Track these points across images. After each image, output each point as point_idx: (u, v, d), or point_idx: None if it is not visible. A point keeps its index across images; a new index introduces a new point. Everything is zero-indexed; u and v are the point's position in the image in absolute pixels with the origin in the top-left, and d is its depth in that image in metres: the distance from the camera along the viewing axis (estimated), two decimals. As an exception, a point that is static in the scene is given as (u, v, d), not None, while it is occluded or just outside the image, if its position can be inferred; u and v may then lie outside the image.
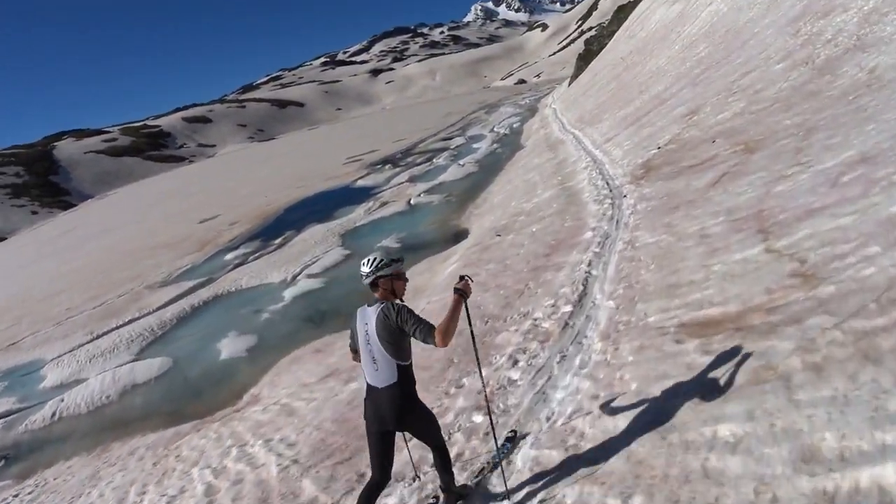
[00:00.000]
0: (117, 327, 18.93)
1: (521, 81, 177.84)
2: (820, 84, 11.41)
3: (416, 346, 4.26)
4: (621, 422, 4.92)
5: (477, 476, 5.13)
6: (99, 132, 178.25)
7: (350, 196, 32.55)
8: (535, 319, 8.29)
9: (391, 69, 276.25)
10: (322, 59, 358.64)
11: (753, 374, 4.53)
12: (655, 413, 4.77)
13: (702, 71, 21.45)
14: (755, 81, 14.80)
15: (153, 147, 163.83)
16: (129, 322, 19.15)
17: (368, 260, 4.23)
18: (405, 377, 4.15)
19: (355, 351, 4.42)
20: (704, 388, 4.74)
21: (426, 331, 3.90)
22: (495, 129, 51.60)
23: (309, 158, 66.66)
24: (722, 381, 4.68)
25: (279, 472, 6.99)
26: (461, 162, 35.24)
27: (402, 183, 32.44)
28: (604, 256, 9.75)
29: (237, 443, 8.73)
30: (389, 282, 4.24)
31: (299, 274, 19.36)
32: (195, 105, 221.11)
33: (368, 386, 4.24)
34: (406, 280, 4.41)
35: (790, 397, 4.04)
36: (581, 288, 8.70)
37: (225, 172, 79.21)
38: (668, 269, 7.67)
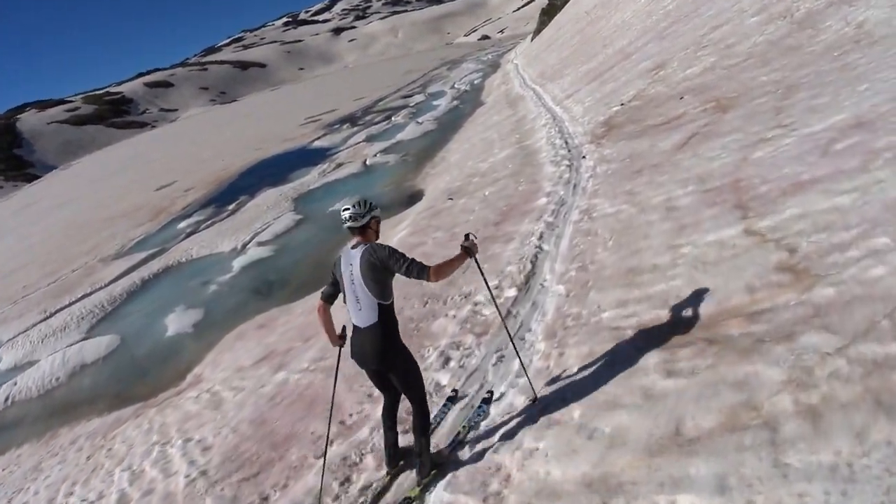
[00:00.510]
0: (69, 304, 18.06)
1: (485, 37, 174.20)
2: (800, 38, 10.35)
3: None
4: (555, 469, 3.88)
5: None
6: (62, 102, 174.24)
7: (306, 157, 31.63)
8: (476, 304, 7.45)
9: (353, 27, 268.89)
10: (284, 19, 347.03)
11: (730, 413, 3.45)
12: (598, 461, 3.72)
13: (669, 24, 20.25)
14: (727, 35, 13.77)
15: (116, 114, 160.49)
16: (81, 298, 18.29)
17: (359, 203, 4.23)
18: (386, 316, 4.14)
19: (327, 299, 4.45)
20: (663, 430, 3.64)
21: (419, 267, 3.92)
22: (456, 86, 50.32)
23: (268, 119, 65.04)
24: (687, 422, 3.58)
25: (186, 487, 6.25)
26: (420, 120, 34.14)
27: (359, 143, 31.45)
28: (557, 228, 8.81)
29: (162, 439, 8.00)
30: (377, 223, 4.34)
31: (249, 242, 18.56)
32: (157, 70, 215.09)
33: (354, 327, 4.23)
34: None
35: (777, 460, 2.97)
36: (529, 266, 7.76)
37: (186, 137, 77.58)
38: (628, 247, 6.61)
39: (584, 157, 11.87)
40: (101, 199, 40.78)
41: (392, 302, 4.20)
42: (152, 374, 12.02)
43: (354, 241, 4.25)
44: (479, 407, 5.14)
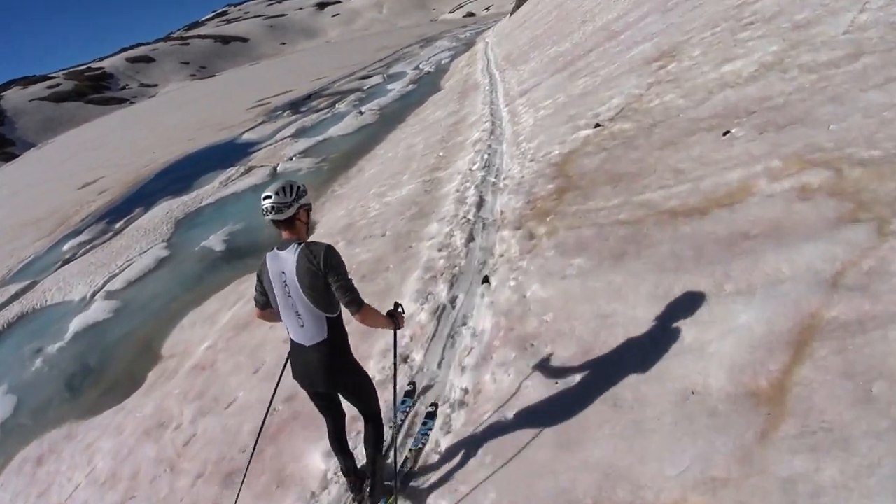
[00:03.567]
0: None
1: (470, 14, 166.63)
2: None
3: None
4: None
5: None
6: (45, 78, 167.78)
7: (225, 155, 27.20)
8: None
9: (338, 2, 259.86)
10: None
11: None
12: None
13: None
14: (790, 4, 8.23)
15: (95, 90, 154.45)
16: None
17: (284, 189, 3.25)
18: (336, 332, 3.38)
19: (264, 306, 3.55)
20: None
21: (352, 297, 3.21)
22: (421, 66, 44.62)
23: (223, 101, 59.52)
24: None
25: None
26: (363, 108, 29.05)
27: (286, 138, 26.74)
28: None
29: None
30: (306, 213, 3.44)
31: (100, 289, 14.44)
32: (140, 45, 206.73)
33: (293, 343, 3.46)
34: None
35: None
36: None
37: (147, 118, 72.33)
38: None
39: (491, 273, 5.98)
40: (33, 197, 36.04)
41: (340, 312, 3.39)
42: None
43: (282, 238, 3.34)
44: (424, 424, 4.39)
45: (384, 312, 3.49)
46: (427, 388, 4.76)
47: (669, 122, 6.96)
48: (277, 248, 3.33)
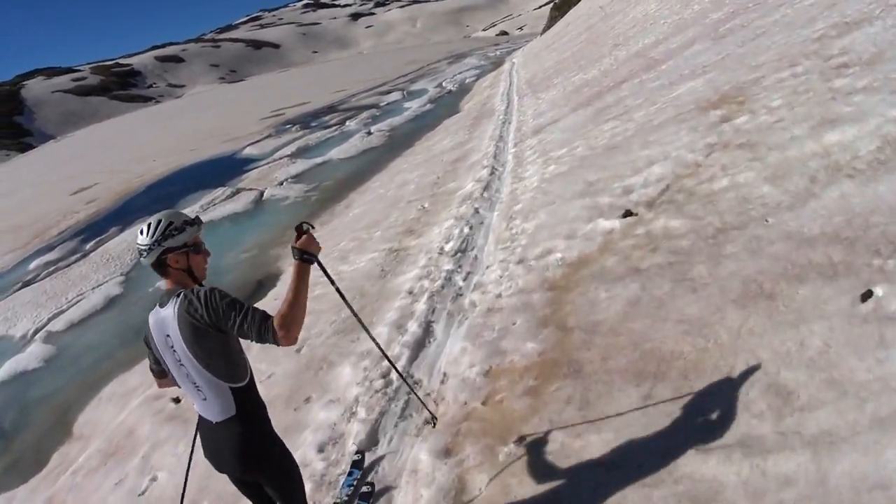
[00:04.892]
0: None
1: (503, 33, 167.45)
2: None
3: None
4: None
5: None
6: (70, 70, 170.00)
7: (218, 172, 25.73)
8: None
9: (372, 13, 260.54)
10: (304, 1, 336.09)
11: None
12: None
13: (731, 14, 12.25)
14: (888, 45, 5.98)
15: (121, 87, 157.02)
16: None
17: (149, 225, 2.59)
18: (247, 406, 2.64)
19: (160, 374, 2.86)
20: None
21: (259, 322, 2.34)
22: (443, 84, 42.28)
23: (241, 108, 58.68)
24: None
25: None
26: (373, 129, 27.30)
27: (284, 157, 25.18)
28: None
29: None
30: (184, 256, 2.62)
31: (43, 327, 12.93)
32: (170, 44, 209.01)
33: (200, 417, 2.75)
34: (208, 253, 2.78)
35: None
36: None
37: (164, 121, 72.75)
38: None
39: None
40: (26, 199, 35.28)
41: (250, 378, 2.67)
42: None
43: (164, 286, 2.65)
44: (350, 474, 3.92)
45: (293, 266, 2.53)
46: None
47: (751, 234, 4.28)
48: (159, 305, 2.64)
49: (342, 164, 21.45)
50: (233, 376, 2.57)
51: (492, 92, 27.80)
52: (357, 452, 4.13)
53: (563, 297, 4.89)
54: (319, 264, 2.74)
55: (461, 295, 6.03)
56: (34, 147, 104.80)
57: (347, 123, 31.42)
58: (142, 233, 2.56)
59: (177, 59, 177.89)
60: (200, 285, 2.65)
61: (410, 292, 6.41)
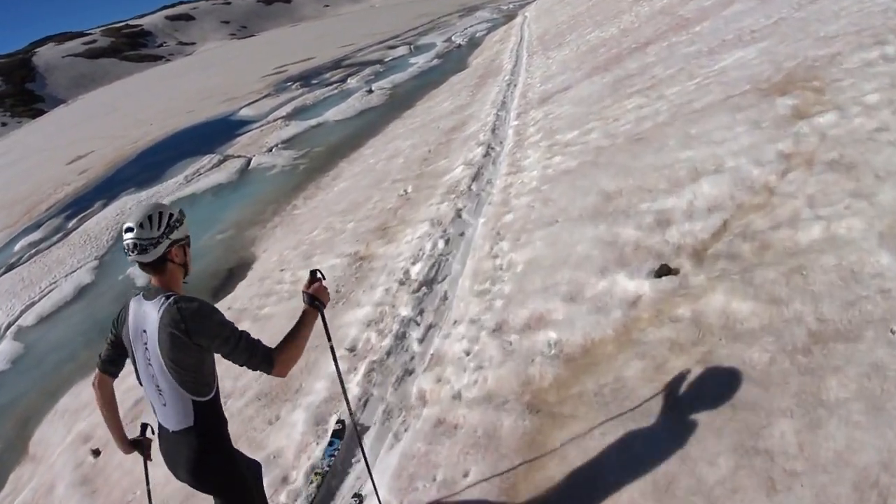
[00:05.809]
0: None
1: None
2: None
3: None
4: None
5: None
6: (81, 34, 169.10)
7: (210, 137, 24.91)
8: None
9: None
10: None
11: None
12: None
13: None
14: None
15: (132, 47, 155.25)
16: None
17: (151, 219, 2.34)
18: (206, 420, 2.47)
19: (106, 370, 2.65)
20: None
21: (261, 356, 2.33)
22: (453, 38, 40.79)
23: (247, 65, 57.70)
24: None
25: None
26: (374, 87, 26.18)
27: (279, 119, 24.16)
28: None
29: None
30: (181, 249, 2.49)
31: (15, 321, 12.22)
32: (180, 3, 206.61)
33: (159, 424, 2.59)
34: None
35: None
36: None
37: (171, 80, 71.44)
38: None
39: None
40: (27, 169, 34.52)
41: (215, 393, 2.49)
42: None
43: (150, 283, 2.48)
44: (330, 444, 3.82)
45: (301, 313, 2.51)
46: None
47: (867, 356, 2.52)
48: (143, 296, 2.46)
49: (337, 126, 20.35)
50: (198, 391, 2.40)
51: (501, 47, 26.29)
52: (338, 422, 4.04)
53: (549, 434, 3.13)
54: (322, 318, 2.67)
55: (410, 373, 4.41)
56: (45, 112, 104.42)
57: (349, 81, 30.36)
58: (141, 226, 2.32)
59: (187, 18, 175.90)
60: (186, 282, 2.55)
61: (352, 350, 4.90)
